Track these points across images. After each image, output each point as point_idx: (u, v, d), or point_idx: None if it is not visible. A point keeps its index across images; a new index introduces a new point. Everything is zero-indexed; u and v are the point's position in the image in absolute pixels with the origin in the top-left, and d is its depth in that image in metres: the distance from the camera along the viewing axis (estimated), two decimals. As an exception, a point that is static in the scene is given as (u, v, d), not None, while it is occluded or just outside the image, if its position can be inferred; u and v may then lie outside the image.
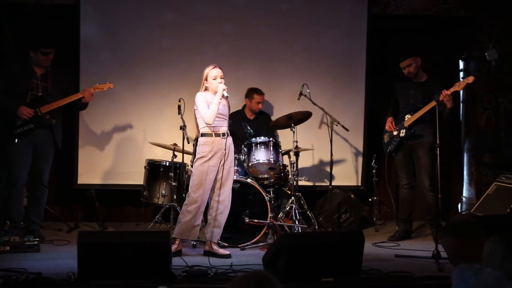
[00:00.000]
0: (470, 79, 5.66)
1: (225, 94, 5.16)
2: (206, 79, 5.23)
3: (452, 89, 5.65)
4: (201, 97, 5.19)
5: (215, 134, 5.19)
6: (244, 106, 6.56)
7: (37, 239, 5.30)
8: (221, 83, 5.19)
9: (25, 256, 4.99)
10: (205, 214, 5.35)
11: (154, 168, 6.19)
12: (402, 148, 6.06)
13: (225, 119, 5.27)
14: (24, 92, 5.58)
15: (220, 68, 5.24)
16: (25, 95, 5.57)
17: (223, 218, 5.25)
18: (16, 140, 5.52)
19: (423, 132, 5.92)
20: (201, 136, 5.24)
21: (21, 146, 5.56)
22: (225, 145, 5.20)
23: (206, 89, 5.25)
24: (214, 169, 5.17)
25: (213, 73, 5.21)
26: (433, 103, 5.51)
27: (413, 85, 6.05)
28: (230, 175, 5.30)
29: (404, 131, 5.97)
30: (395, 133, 6.05)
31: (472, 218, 4.88)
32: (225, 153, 5.20)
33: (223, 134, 5.22)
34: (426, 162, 5.93)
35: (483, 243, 2.50)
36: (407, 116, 5.97)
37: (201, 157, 5.17)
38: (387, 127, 6.13)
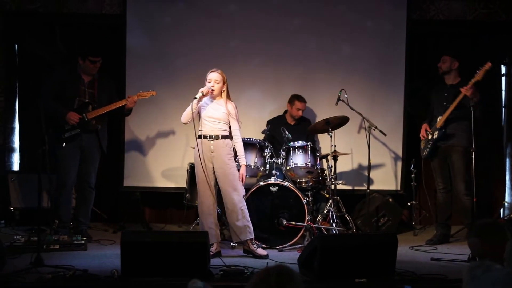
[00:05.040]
0: (487, 66, 5.62)
1: (197, 95, 5.19)
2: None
3: (473, 80, 5.63)
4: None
5: (203, 136, 5.26)
6: (286, 112, 6.68)
7: (84, 238, 5.50)
8: (212, 86, 5.24)
9: (73, 254, 5.19)
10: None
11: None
12: (437, 153, 6.06)
13: (217, 122, 5.28)
14: (72, 98, 5.84)
15: (219, 73, 5.29)
16: (73, 101, 5.83)
17: (232, 219, 5.26)
18: (64, 144, 5.78)
19: (454, 132, 5.90)
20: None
21: (69, 150, 5.81)
22: (213, 147, 5.24)
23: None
24: (202, 172, 5.21)
25: (208, 76, 5.30)
26: (457, 100, 5.63)
27: (447, 88, 6.06)
28: (226, 176, 5.26)
29: (436, 132, 5.98)
30: (429, 137, 6.07)
31: (505, 222, 4.88)
32: (213, 156, 5.24)
33: (210, 137, 5.25)
34: (461, 166, 5.92)
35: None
36: (439, 118, 5.98)
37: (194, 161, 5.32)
38: (421, 135, 6.15)
